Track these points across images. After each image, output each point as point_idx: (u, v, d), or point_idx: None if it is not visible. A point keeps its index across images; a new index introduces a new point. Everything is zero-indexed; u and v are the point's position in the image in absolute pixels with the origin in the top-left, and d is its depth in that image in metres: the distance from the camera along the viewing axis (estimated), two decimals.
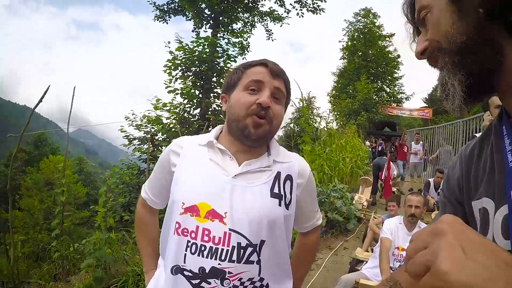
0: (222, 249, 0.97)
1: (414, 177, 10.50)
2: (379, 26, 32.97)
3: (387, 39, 33.00)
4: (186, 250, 1.00)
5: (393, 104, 30.69)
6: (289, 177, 1.11)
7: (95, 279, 3.31)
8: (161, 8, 13.27)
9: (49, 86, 4.44)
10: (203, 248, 0.98)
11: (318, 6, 13.25)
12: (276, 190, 1.07)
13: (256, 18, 13.95)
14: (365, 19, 32.92)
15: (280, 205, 1.06)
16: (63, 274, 4.11)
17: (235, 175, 1.04)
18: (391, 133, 25.54)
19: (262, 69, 1.09)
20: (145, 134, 7.03)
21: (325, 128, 10.97)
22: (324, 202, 5.89)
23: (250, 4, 13.03)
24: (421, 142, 10.50)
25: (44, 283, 3.84)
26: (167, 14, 13.52)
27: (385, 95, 32.40)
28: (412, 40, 0.70)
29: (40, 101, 4.35)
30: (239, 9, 12.51)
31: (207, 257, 0.97)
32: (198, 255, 0.98)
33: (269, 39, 14.69)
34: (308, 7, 13.36)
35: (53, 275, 4.21)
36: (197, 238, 0.99)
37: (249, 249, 1.00)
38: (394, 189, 8.13)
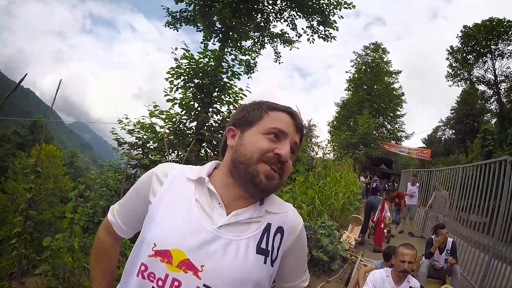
0: None
1: (407, 219, 10.24)
2: (387, 62, 33.45)
3: (393, 75, 33.37)
4: None
5: (392, 141, 30.78)
6: (279, 230, 0.98)
7: None
8: (174, 15, 13.21)
9: (61, 80, 4.33)
10: None
11: (330, 33, 13.22)
12: (263, 245, 0.94)
13: (266, 39, 13.93)
14: (374, 53, 33.35)
15: (265, 262, 0.93)
16: (19, 274, 3.81)
17: (221, 226, 0.91)
18: (387, 171, 25.35)
19: (289, 118, 0.99)
20: (137, 140, 6.80)
21: (322, 159, 10.75)
22: (310, 238, 5.60)
23: (262, 24, 13.01)
24: (417, 184, 10.29)
25: None
26: (178, 22, 13.47)
27: (385, 131, 32.56)
28: None
29: (54, 98, 4.20)
30: (251, 27, 12.49)
31: None
32: None
33: (276, 61, 14.64)
34: (319, 33, 13.33)
35: (9, 273, 3.90)
36: None
37: None
38: (384, 230, 7.86)
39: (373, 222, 7.82)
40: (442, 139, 36.88)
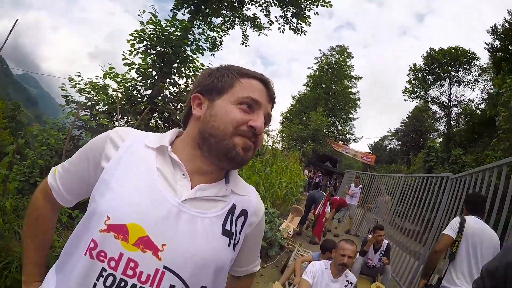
0: None
1: (346, 218, 10.66)
2: (349, 66, 34.44)
3: (353, 80, 34.48)
4: (97, 280, 0.74)
5: (341, 142, 31.98)
6: (243, 213, 0.92)
7: None
8: None
9: (17, 20, 3.98)
10: (122, 283, 0.73)
11: (302, 27, 13.26)
12: (228, 226, 0.86)
13: (237, 20, 13.68)
14: (339, 56, 34.17)
15: (229, 245, 0.86)
16: None
17: (185, 200, 0.81)
18: (331, 169, 26.31)
19: (262, 87, 0.90)
20: (86, 101, 6.44)
21: (271, 147, 10.91)
22: None
23: (236, 4, 12.76)
24: (360, 185, 10.70)
25: None
26: None
27: (335, 131, 33.71)
28: None
29: (6, 39, 3.85)
30: (224, 5, 12.20)
31: None
32: None
33: (243, 44, 14.47)
34: (291, 25, 13.32)
35: None
36: (118, 269, 0.74)
37: None
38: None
39: (314, 214, 8.09)
40: (388, 148, 39.08)
